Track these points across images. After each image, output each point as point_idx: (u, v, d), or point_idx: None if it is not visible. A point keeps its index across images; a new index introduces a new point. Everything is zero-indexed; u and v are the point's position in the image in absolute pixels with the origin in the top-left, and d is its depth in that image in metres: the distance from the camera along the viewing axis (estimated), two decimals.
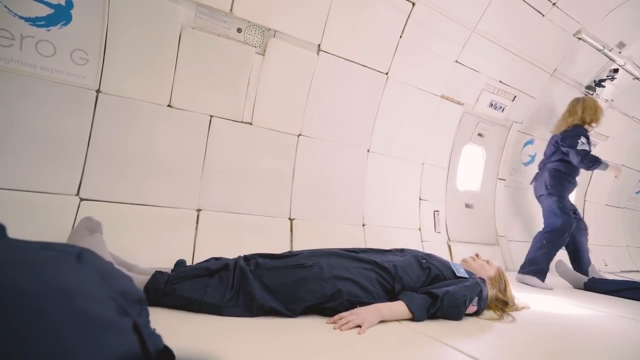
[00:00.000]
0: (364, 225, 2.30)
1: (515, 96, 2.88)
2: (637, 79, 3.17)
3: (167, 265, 1.27)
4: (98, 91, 1.54)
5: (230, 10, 1.71)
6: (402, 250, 1.55)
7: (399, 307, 1.18)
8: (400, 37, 2.19)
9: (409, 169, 2.58)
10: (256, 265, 1.17)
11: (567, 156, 2.56)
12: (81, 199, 1.49)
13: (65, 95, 1.48)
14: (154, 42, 1.61)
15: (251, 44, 1.84)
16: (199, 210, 1.76)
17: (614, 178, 2.93)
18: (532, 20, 2.50)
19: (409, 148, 2.54)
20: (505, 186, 3.18)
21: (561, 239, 2.52)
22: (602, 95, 3.26)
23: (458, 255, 2.58)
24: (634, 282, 2.38)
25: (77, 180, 1.50)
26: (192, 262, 1.58)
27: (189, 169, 1.76)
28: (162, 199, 1.67)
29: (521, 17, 2.45)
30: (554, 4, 2.45)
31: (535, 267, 2.43)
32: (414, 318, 1.18)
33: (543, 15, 2.49)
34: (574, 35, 2.69)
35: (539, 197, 2.74)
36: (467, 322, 1.28)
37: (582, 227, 2.76)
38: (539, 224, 3.43)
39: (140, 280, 1.06)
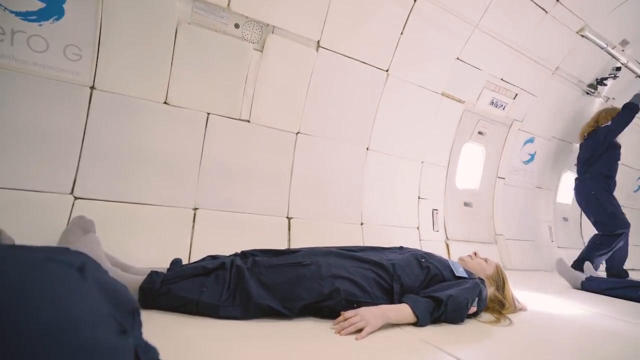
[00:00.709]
0: (362, 224, 2.29)
1: (516, 94, 2.85)
2: (639, 77, 3.14)
3: (163, 265, 1.26)
4: (92, 88, 1.51)
5: (228, 5, 1.67)
6: (400, 248, 1.54)
7: (404, 310, 1.16)
8: (402, 33, 2.15)
9: (408, 168, 2.56)
10: (253, 262, 1.15)
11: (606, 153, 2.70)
12: (75, 198, 1.47)
13: (58, 92, 1.44)
14: (149, 38, 1.58)
15: (249, 40, 1.80)
16: (195, 208, 1.74)
17: None
18: (536, 17, 2.46)
19: (409, 146, 2.52)
20: (504, 185, 3.17)
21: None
22: (604, 93, 3.23)
23: (456, 254, 2.58)
24: (630, 281, 2.39)
25: (71, 178, 1.47)
26: (189, 262, 1.57)
27: (185, 167, 1.74)
28: (158, 198, 1.65)
29: (524, 14, 2.41)
30: (557, 0, 2.41)
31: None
32: (418, 322, 1.16)
33: (546, 12, 2.45)
34: (577, 32, 2.65)
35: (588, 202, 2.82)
36: (465, 327, 1.27)
37: None
38: (537, 223, 3.45)
39: (136, 281, 1.04)
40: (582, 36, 2.66)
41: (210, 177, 1.79)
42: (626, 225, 2.75)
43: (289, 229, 1.99)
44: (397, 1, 2.04)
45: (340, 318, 1.08)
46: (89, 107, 1.51)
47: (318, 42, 1.96)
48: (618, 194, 2.90)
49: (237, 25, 1.75)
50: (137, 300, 0.61)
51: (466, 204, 2.98)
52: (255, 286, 1.08)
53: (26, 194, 1.37)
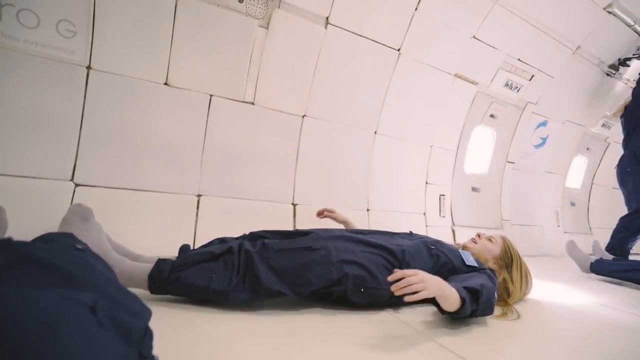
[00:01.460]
0: (368, 210, 2.25)
1: (532, 75, 2.71)
2: None
3: (167, 252, 1.24)
4: (89, 68, 1.43)
5: None
6: (410, 234, 1.51)
7: (453, 292, 1.08)
8: (416, 9, 2.01)
9: (416, 152, 2.49)
10: (263, 246, 1.13)
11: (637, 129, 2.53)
12: (76, 185, 1.42)
13: (53, 72, 1.37)
14: (147, 13, 1.47)
15: (254, 16, 1.68)
16: (199, 195, 1.70)
17: None
18: None
19: (418, 130, 2.43)
20: (514, 169, 3.10)
21: None
22: (625, 75, 3.08)
23: (461, 240, 2.55)
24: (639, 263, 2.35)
25: (71, 164, 1.42)
26: (194, 248, 1.55)
27: (188, 152, 1.68)
28: (160, 184, 1.60)
29: None
30: None
31: None
32: (461, 310, 1.08)
33: None
34: (604, 8, 2.48)
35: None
36: (470, 324, 1.25)
37: None
38: (544, 208, 3.41)
39: (145, 269, 1.03)
40: (609, 12, 2.49)
41: (213, 163, 1.74)
42: None
43: (294, 216, 1.96)
44: None
45: (398, 274, 1.01)
46: (86, 88, 1.43)
47: (327, 18, 1.83)
48: None
49: (240, 0, 1.63)
50: (148, 311, 0.59)
51: (474, 189, 2.93)
52: (265, 271, 1.07)
53: (25, 181, 1.33)
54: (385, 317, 1.19)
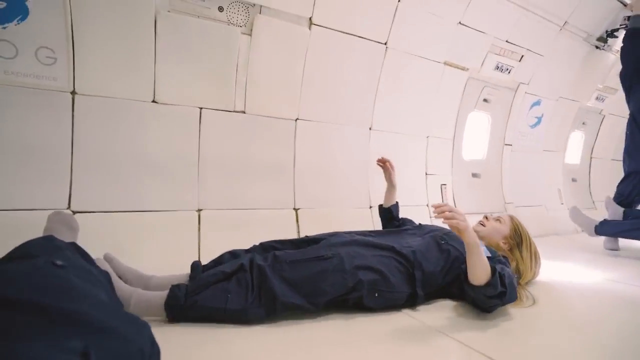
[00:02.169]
0: (370, 207, 2.23)
1: (522, 56, 2.69)
2: None
3: (174, 271, 1.22)
4: (73, 93, 1.40)
5: None
6: (420, 227, 1.50)
7: (486, 259, 1.09)
8: (399, 0, 1.98)
9: (413, 144, 2.47)
10: (274, 258, 1.12)
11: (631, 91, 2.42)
12: (74, 212, 1.40)
13: (38, 101, 1.34)
14: (126, 31, 1.44)
15: (236, 24, 1.66)
16: (199, 210, 1.67)
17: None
18: None
19: (413, 122, 2.41)
20: (512, 151, 3.08)
21: None
22: (615, 46, 3.06)
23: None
24: None
25: (66, 192, 1.40)
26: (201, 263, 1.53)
27: (183, 167, 1.66)
28: (159, 203, 1.58)
29: None
30: None
31: None
32: (492, 280, 1.07)
33: None
34: None
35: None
36: (493, 318, 1.22)
37: None
38: (546, 187, 3.39)
39: (160, 297, 1.02)
40: None
41: (210, 176, 1.71)
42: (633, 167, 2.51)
43: (297, 221, 1.93)
44: None
45: (443, 204, 1.05)
46: (72, 114, 1.41)
47: (310, 19, 1.81)
48: None
49: (220, 9, 1.61)
50: (145, 326, 0.55)
51: (474, 175, 2.91)
52: (279, 285, 1.06)
53: (20, 214, 1.30)
54: (403, 318, 1.18)
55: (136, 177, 1.53)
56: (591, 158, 3.96)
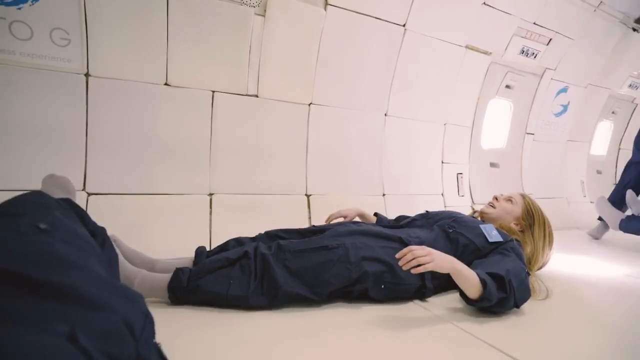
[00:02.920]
0: (384, 194, 2.19)
1: (550, 39, 2.54)
2: None
3: (185, 253, 1.24)
4: (87, 75, 1.40)
5: None
6: (426, 216, 1.45)
7: (471, 273, 1.04)
8: None
9: (430, 131, 2.39)
10: (278, 247, 1.11)
11: None
12: (88, 194, 1.42)
13: (53, 83, 1.35)
14: (139, 13, 1.42)
15: (249, 4, 1.61)
16: (211, 194, 1.68)
17: None
18: None
19: (430, 108, 2.33)
20: (533, 141, 2.95)
21: None
22: None
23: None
24: None
25: (81, 174, 1.42)
26: (210, 248, 1.54)
27: (196, 151, 1.66)
28: (171, 186, 1.59)
29: None
30: None
31: None
32: (485, 292, 1.01)
33: None
34: None
35: None
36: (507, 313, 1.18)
37: None
38: (568, 178, 3.25)
39: (164, 280, 1.04)
40: None
41: (222, 160, 1.71)
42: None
43: (309, 207, 1.92)
44: None
45: (405, 250, 1.01)
46: (87, 96, 1.41)
47: None
48: None
49: None
50: (146, 313, 0.52)
51: (492, 165, 2.81)
52: (282, 274, 1.05)
53: None
54: (411, 308, 1.16)
55: (148, 160, 1.54)
56: (619, 149, 3.77)
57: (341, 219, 1.53)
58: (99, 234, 0.76)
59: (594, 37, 2.71)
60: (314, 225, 1.40)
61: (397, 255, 1.01)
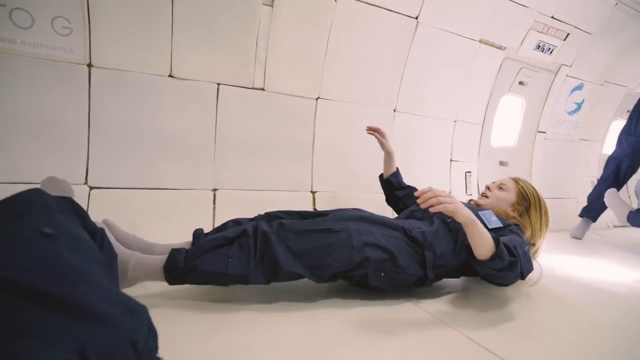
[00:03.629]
0: None
1: (567, 34, 2.44)
2: None
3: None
4: (90, 65, 1.36)
5: None
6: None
7: (486, 232, 1.02)
8: None
9: (439, 128, 2.33)
10: (280, 226, 1.08)
11: None
12: (91, 188, 1.40)
13: (55, 73, 1.31)
14: (143, 2, 1.37)
15: None
16: (215, 189, 1.65)
17: None
18: None
19: (440, 105, 2.26)
20: (545, 139, 2.88)
21: None
22: None
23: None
24: None
25: (83, 167, 1.39)
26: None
27: (200, 145, 1.62)
28: (174, 181, 1.56)
29: None
30: None
31: None
32: (497, 250, 1.00)
33: None
34: None
35: None
36: (501, 312, 1.16)
37: None
38: (579, 178, 3.18)
39: (160, 261, 1.00)
40: None
41: (227, 155, 1.68)
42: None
43: (314, 204, 1.89)
44: None
45: (426, 188, 0.99)
46: (89, 87, 1.38)
47: None
48: None
49: None
50: (150, 326, 0.52)
51: (502, 163, 2.75)
52: (283, 253, 1.03)
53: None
54: (407, 307, 1.14)
55: (152, 154, 1.51)
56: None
57: (377, 136, 1.65)
58: (97, 235, 0.75)
59: (613, 32, 2.61)
60: (315, 209, 1.37)
61: (416, 194, 0.99)
